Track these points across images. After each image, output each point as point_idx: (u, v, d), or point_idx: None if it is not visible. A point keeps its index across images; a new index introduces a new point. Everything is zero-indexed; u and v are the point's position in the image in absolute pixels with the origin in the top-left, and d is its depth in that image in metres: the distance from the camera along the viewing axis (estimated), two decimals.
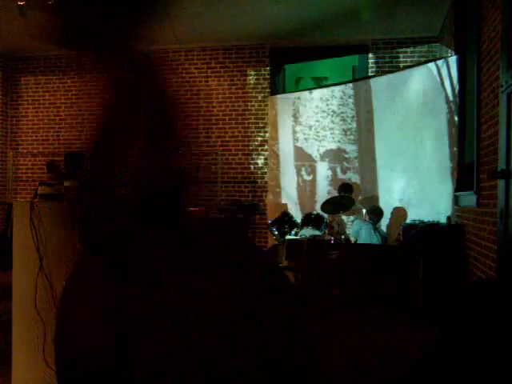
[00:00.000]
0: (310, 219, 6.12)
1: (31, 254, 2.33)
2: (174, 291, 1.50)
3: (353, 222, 6.46)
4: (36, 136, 8.65)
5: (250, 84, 7.86)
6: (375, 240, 5.82)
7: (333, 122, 7.02)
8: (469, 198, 4.85)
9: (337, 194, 6.35)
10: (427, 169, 6.16)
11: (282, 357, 1.39)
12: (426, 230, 5.00)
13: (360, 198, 6.76)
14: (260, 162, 7.79)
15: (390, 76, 6.82)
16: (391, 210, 6.50)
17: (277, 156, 7.36)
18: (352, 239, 5.94)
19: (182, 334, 1.44)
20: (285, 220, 6.22)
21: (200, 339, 1.40)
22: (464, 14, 5.60)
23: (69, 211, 2.27)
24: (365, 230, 5.89)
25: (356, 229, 5.99)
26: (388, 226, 6.50)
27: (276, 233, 6.22)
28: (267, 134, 7.61)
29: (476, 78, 4.69)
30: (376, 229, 5.97)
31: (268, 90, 7.78)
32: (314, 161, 7.12)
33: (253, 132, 7.84)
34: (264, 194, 7.68)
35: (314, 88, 7.38)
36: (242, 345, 1.37)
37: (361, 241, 5.85)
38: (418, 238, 5.12)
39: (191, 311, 1.45)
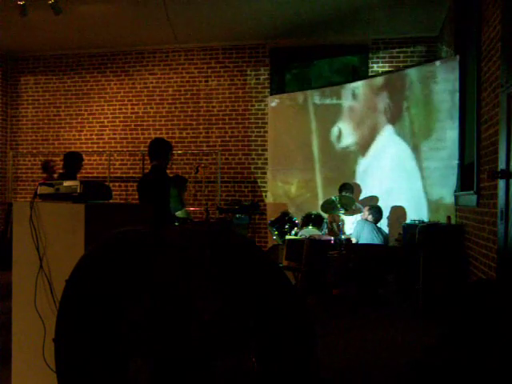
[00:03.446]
0: (309, 219, 6.11)
1: (31, 253, 2.32)
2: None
3: (355, 223, 6.44)
4: (36, 136, 8.65)
5: (250, 84, 7.86)
6: (377, 240, 5.80)
7: (332, 121, 7.02)
8: (469, 198, 4.85)
9: (337, 194, 6.34)
10: (428, 168, 6.15)
11: (276, 353, 1.39)
12: (426, 230, 4.99)
13: (360, 197, 6.77)
14: (260, 161, 7.79)
15: (390, 76, 6.82)
16: (391, 209, 6.49)
17: (277, 156, 7.36)
18: (353, 240, 5.92)
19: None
20: (285, 220, 6.21)
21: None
22: (464, 14, 5.60)
23: (69, 211, 2.27)
24: (367, 230, 5.87)
25: (358, 229, 5.97)
26: (388, 226, 6.50)
27: (276, 233, 6.21)
28: (267, 134, 7.61)
29: (476, 78, 4.68)
30: (379, 229, 5.95)
31: (268, 90, 7.78)
32: (315, 161, 7.12)
33: (253, 132, 7.84)
34: (264, 194, 7.68)
35: (314, 88, 7.38)
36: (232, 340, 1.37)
37: (362, 241, 5.83)
38: (418, 237, 5.12)
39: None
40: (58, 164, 6.91)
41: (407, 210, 6.38)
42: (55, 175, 6.70)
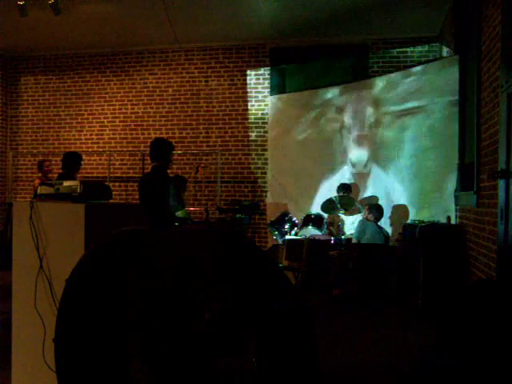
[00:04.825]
0: (309, 219, 6.11)
1: (31, 254, 2.33)
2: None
3: (356, 222, 6.42)
4: (36, 136, 8.65)
5: (250, 84, 7.85)
6: (379, 239, 5.79)
7: (332, 121, 7.02)
8: (469, 198, 4.85)
9: (336, 194, 6.34)
10: (428, 168, 6.15)
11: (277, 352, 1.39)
12: (427, 230, 4.99)
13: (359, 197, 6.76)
14: (260, 161, 7.79)
15: (390, 76, 6.81)
16: (392, 209, 6.48)
17: (277, 156, 7.36)
18: (354, 240, 5.91)
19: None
20: (285, 220, 6.21)
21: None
22: (464, 14, 5.60)
23: (69, 211, 2.27)
24: (369, 230, 5.86)
25: (360, 229, 5.96)
26: (390, 226, 6.48)
27: (276, 233, 6.21)
28: (267, 134, 7.61)
29: (476, 77, 4.68)
30: (380, 228, 5.94)
31: (268, 90, 7.78)
32: (314, 161, 7.12)
33: (253, 132, 7.84)
34: (264, 194, 7.68)
35: (314, 88, 7.38)
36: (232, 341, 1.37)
37: (365, 241, 5.82)
38: (418, 237, 5.12)
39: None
40: (57, 164, 6.92)
41: (409, 210, 6.37)
42: (50, 175, 6.71)
